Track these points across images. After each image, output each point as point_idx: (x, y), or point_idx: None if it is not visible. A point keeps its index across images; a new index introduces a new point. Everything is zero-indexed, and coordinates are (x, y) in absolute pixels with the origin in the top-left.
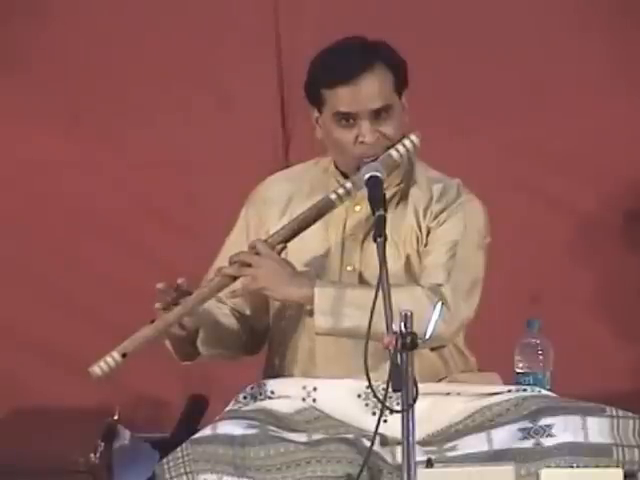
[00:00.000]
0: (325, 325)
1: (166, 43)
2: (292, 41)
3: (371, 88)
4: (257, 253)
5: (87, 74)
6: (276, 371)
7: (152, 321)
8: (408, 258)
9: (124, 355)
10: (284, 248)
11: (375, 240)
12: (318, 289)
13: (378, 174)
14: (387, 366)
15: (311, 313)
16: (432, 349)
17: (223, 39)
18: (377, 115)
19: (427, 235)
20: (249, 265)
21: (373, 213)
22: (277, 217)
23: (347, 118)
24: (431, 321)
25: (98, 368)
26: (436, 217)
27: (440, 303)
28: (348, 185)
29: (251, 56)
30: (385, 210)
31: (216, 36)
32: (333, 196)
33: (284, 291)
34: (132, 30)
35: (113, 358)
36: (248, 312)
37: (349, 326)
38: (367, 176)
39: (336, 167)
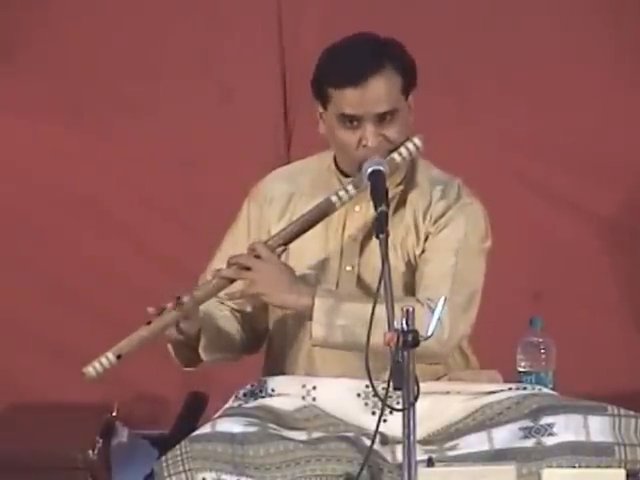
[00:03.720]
0: (321, 337)
1: (169, 36)
2: (295, 35)
3: (378, 92)
4: (257, 256)
5: (89, 66)
6: (275, 370)
7: (148, 323)
8: (408, 263)
9: (119, 356)
10: (284, 250)
11: (377, 236)
12: (318, 300)
13: (381, 168)
14: (386, 370)
15: (310, 319)
16: (429, 364)
17: (226, 33)
18: (382, 119)
19: (425, 240)
20: (248, 268)
21: (375, 208)
22: (278, 215)
23: (352, 120)
24: (434, 318)
25: (92, 369)
26: (436, 222)
27: (443, 299)
28: (350, 188)
29: (254, 51)
30: (387, 206)
31: (219, 30)
32: (334, 198)
33: (282, 298)
34: (135, 22)
35: (108, 359)
36: (249, 310)
37: (345, 341)
38: (370, 170)
39: (336, 165)
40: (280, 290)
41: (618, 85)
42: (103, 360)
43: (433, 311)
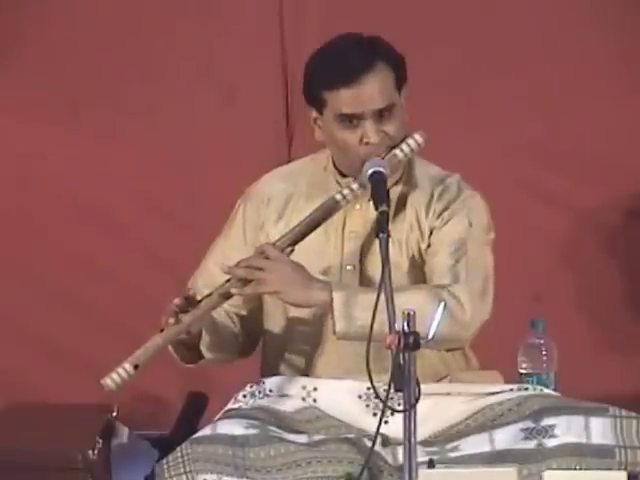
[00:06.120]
0: (345, 330)
1: (169, 37)
2: (296, 36)
3: (373, 89)
4: (267, 257)
5: (88, 66)
6: (274, 372)
7: (162, 330)
8: (412, 259)
9: (136, 367)
10: (292, 251)
11: (377, 236)
12: (336, 294)
13: (381, 169)
14: (388, 373)
15: (316, 315)
16: (448, 350)
17: (227, 33)
18: (381, 115)
19: (430, 235)
20: (260, 269)
21: (376, 209)
22: (275, 216)
23: (350, 119)
24: (434, 321)
25: (111, 380)
26: (439, 216)
27: (443, 304)
28: (354, 186)
29: (255, 51)
30: (388, 206)
31: (219, 30)
32: (339, 197)
33: (300, 295)
34: (134, 23)
35: (125, 370)
36: (244, 313)
37: (368, 330)
38: (370, 171)
39: (334, 166)
40: (296, 287)
41: (620, 90)
42: (121, 371)
43: (435, 313)
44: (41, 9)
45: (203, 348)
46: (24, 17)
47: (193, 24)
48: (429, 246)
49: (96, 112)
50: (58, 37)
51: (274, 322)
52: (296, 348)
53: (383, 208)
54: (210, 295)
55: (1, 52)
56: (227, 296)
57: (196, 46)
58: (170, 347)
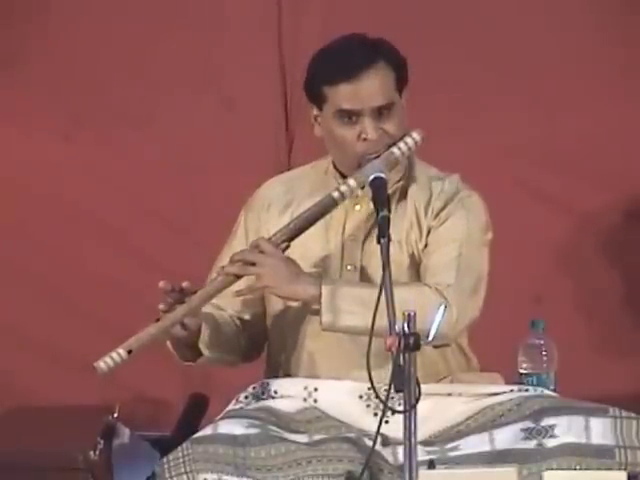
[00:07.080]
0: (331, 322)
1: (168, 44)
2: (295, 42)
3: (373, 86)
4: (261, 251)
5: (88, 75)
6: (277, 372)
7: (157, 319)
8: (412, 257)
9: (130, 352)
10: (288, 247)
11: (379, 241)
12: (325, 288)
13: (382, 175)
14: (389, 366)
15: (314, 312)
16: (435, 346)
17: (225, 40)
18: (379, 113)
19: (428, 234)
20: (253, 264)
21: (377, 214)
22: (276, 216)
23: (349, 115)
24: (434, 322)
25: (103, 363)
26: (437, 215)
27: (444, 305)
28: (351, 182)
29: (254, 58)
30: (389, 211)
31: (218, 37)
32: (336, 194)
33: (290, 289)
34: (134, 31)
35: (119, 354)
36: (247, 317)
37: (354, 324)
38: (371, 177)
39: (335, 168)
40: (287, 282)
41: (620, 91)
42: (114, 355)
43: (438, 308)
44: (43, 21)
45: (202, 346)
46: (27, 29)
47: (192, 34)
48: (426, 246)
49: (96, 121)
50: (58, 49)
51: (276, 322)
52: (297, 347)
53: (384, 213)
54: (205, 287)
55: (3, 63)
56: (222, 288)
57: (195, 55)
58: (170, 345)
